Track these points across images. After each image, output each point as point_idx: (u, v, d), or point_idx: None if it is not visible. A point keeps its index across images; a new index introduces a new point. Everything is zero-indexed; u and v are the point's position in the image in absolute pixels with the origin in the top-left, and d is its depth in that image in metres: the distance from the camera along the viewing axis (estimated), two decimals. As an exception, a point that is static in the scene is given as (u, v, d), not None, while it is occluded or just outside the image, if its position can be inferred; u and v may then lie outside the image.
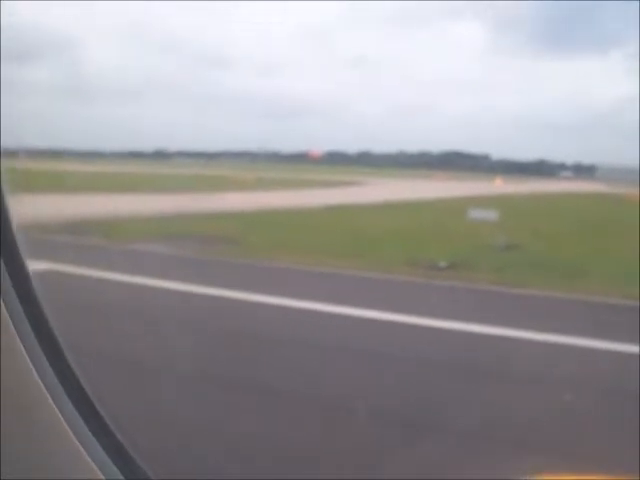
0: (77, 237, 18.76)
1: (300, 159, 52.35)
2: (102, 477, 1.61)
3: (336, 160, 51.98)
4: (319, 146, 49.72)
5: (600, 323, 10.27)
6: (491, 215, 26.59)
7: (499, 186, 48.93)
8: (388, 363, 8.01)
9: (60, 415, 1.61)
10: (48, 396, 1.60)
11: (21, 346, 1.60)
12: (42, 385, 1.60)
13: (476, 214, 26.69)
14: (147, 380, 6.93)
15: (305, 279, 14.45)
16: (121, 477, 1.68)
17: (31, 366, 1.60)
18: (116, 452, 1.71)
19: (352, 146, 51.82)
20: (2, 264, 1.68)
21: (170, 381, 6.72)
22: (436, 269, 15.28)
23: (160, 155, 52.91)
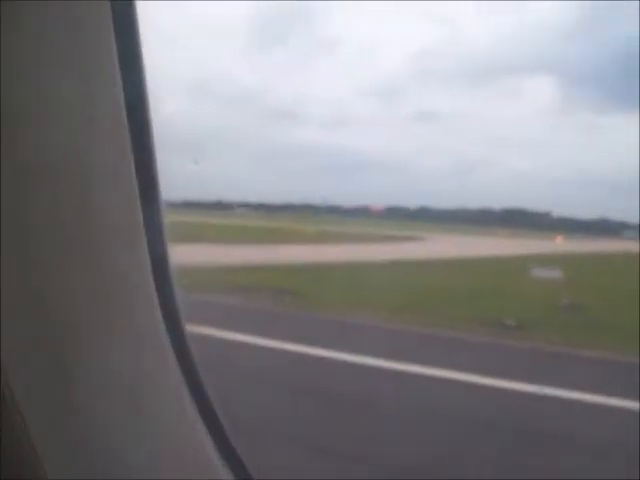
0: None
1: (361, 213, 52.73)
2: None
3: (396, 215, 52.17)
4: (380, 201, 50.05)
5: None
6: (555, 273, 26.48)
7: (560, 244, 48.50)
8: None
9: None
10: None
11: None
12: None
13: (540, 272, 26.63)
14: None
15: (375, 335, 14.51)
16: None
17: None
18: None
19: (413, 201, 51.99)
20: None
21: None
22: (504, 328, 15.43)
23: (221, 206, 54.02)
